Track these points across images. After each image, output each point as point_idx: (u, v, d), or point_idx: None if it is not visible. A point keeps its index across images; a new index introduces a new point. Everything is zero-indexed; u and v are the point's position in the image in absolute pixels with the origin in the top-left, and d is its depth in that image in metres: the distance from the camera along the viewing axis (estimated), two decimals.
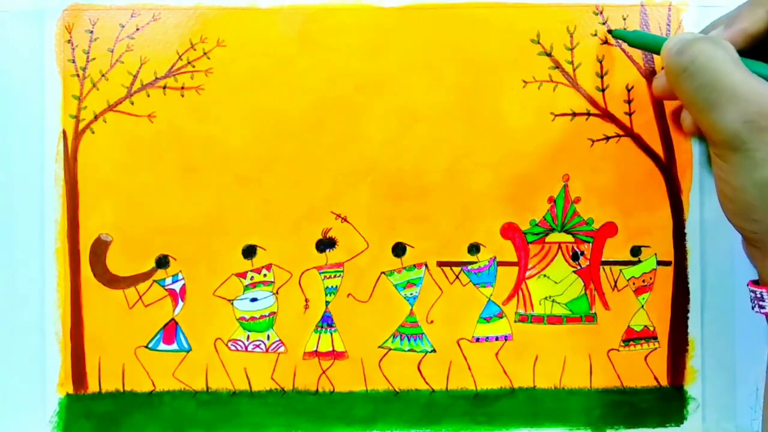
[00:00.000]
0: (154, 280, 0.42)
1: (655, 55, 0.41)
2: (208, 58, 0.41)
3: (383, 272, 0.42)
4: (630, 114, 0.41)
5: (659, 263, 0.42)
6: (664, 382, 0.42)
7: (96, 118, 0.41)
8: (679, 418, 0.42)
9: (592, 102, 0.41)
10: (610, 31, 0.41)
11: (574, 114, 0.41)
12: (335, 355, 0.42)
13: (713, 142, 0.32)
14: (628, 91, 0.41)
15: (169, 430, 0.42)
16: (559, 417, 0.42)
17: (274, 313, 0.42)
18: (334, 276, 0.42)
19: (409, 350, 0.42)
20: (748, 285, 0.33)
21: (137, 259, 0.41)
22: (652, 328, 0.42)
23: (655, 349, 0.42)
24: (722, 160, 0.31)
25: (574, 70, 0.41)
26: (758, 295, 0.32)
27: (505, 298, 0.42)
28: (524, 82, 0.41)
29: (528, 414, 0.42)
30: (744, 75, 0.30)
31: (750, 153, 0.30)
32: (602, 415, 0.42)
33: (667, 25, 0.41)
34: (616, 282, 0.42)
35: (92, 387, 0.41)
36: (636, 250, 0.42)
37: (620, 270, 0.42)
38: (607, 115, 0.41)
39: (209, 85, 0.41)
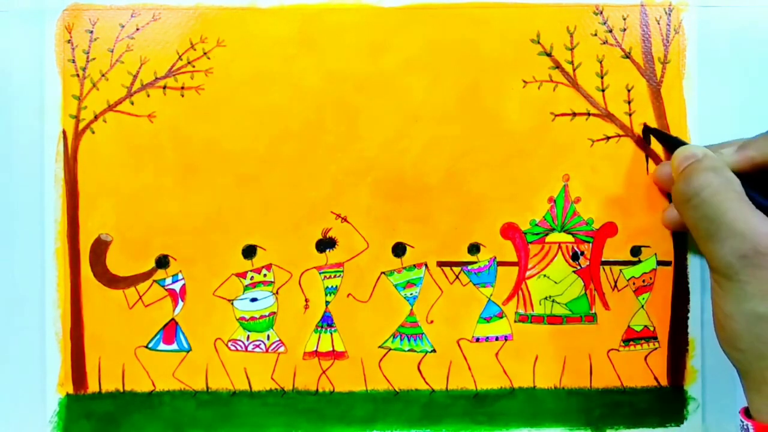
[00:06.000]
0: (154, 280, 0.42)
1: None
2: (208, 58, 0.41)
3: (383, 272, 0.42)
4: (630, 114, 0.41)
5: (659, 263, 0.42)
6: (664, 382, 0.42)
7: (96, 118, 0.41)
8: (679, 418, 0.42)
9: (592, 102, 0.41)
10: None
11: (574, 114, 0.41)
12: (335, 355, 0.42)
13: (711, 268, 0.33)
14: (628, 91, 0.41)
15: (169, 430, 0.42)
16: (559, 417, 0.42)
17: (274, 313, 0.42)
18: (334, 276, 0.42)
19: (409, 350, 0.42)
20: (739, 412, 0.33)
21: (137, 259, 0.41)
22: (652, 328, 0.42)
23: (655, 349, 0.42)
24: (718, 285, 0.33)
25: (574, 70, 0.41)
26: (744, 427, 0.33)
27: (505, 298, 0.42)
28: (524, 82, 0.41)
29: (528, 414, 0.42)
30: (744, 211, 0.32)
31: (742, 285, 0.31)
32: (602, 415, 0.42)
33: (667, 24, 0.41)
34: (616, 282, 0.42)
35: (92, 387, 0.41)
36: (636, 250, 0.42)
37: (620, 270, 0.42)
38: (607, 115, 0.41)
39: (209, 85, 0.41)
